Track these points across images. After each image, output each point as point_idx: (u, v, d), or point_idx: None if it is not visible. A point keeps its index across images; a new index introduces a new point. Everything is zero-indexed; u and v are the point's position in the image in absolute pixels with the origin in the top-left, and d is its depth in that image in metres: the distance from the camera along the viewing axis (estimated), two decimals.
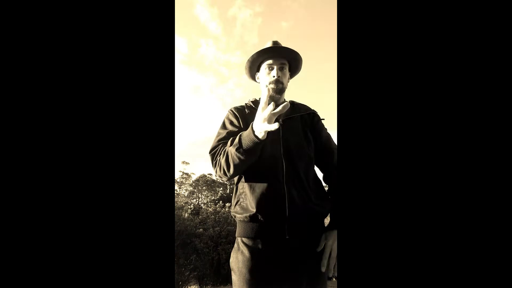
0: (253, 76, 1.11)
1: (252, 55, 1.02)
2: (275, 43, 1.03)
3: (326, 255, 0.86)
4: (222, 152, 0.90)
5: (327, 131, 1.07)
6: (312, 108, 1.10)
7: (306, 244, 0.88)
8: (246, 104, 1.07)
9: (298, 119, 1.02)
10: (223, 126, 1.02)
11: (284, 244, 0.86)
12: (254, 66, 1.07)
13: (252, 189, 0.91)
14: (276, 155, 0.92)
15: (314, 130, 1.02)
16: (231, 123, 1.01)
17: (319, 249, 0.87)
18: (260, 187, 0.89)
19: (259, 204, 0.87)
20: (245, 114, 1.02)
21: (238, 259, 0.88)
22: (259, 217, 0.87)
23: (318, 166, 1.01)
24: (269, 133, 0.87)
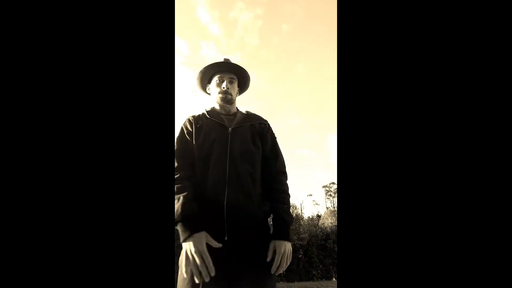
0: (204, 87, 1.21)
1: (205, 67, 1.13)
2: (227, 60, 1.15)
3: (277, 263, 0.90)
4: (177, 198, 0.92)
5: (276, 139, 1.16)
6: (265, 118, 1.19)
7: (247, 246, 0.91)
8: (202, 113, 1.13)
9: (247, 127, 1.09)
10: (179, 136, 1.08)
11: (224, 245, 0.88)
12: (205, 78, 1.18)
13: (194, 191, 0.94)
14: (222, 159, 0.98)
15: (263, 138, 1.11)
16: (187, 133, 1.07)
17: (269, 259, 0.90)
18: (202, 190, 0.94)
19: (200, 206, 0.91)
20: (198, 124, 1.08)
21: (182, 259, 0.90)
22: (199, 218, 0.90)
23: (263, 171, 1.07)
24: (217, 140, 1.00)
